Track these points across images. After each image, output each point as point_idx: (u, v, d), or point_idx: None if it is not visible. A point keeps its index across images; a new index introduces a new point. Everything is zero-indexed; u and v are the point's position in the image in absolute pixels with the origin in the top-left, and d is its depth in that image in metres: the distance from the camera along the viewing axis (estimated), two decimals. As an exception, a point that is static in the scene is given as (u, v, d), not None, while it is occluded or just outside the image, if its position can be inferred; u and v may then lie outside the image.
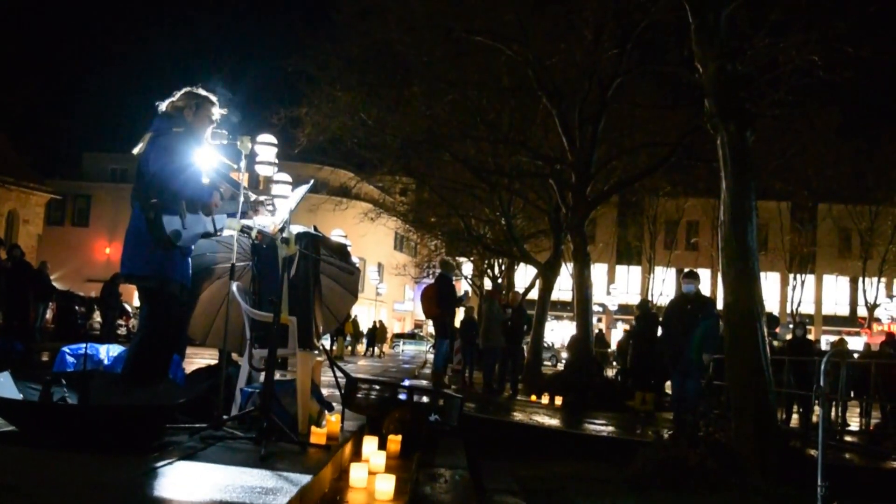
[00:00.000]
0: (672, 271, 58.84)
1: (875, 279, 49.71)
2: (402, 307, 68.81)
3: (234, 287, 5.94)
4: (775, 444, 9.37)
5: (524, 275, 40.64)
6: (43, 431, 4.73)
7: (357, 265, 7.27)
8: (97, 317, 24.86)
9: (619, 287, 55.04)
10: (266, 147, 22.38)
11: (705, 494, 7.63)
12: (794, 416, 16.47)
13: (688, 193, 40.05)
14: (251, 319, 6.23)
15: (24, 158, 44.98)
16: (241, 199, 5.73)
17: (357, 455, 6.23)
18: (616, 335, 51.24)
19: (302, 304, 6.10)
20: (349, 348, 38.16)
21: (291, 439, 5.38)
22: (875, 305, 49.73)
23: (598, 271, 49.07)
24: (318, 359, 6.58)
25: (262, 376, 6.44)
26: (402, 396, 7.74)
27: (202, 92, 5.79)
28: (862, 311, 54.08)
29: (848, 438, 14.29)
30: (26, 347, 14.64)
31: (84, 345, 6.16)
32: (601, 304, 47.14)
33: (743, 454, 8.99)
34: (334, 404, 7.26)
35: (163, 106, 5.72)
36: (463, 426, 8.20)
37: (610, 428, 11.80)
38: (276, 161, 22.85)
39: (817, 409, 16.01)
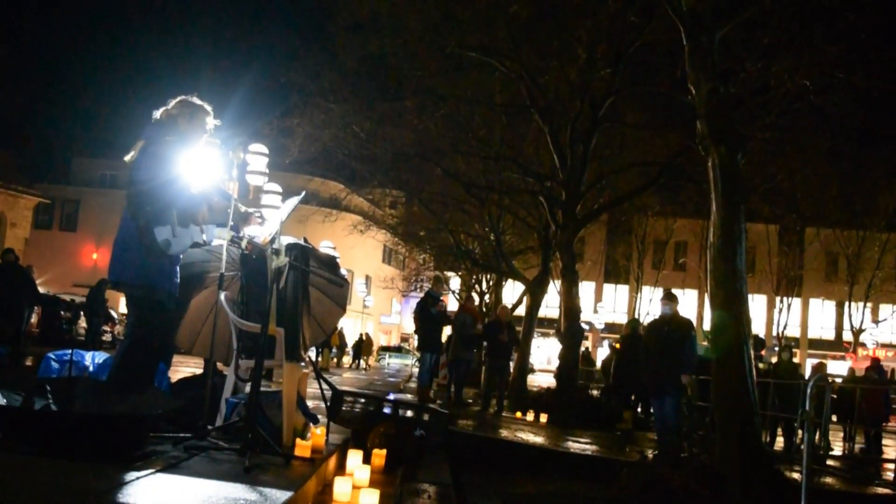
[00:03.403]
0: (659, 291, 58.88)
1: (861, 304, 49.86)
2: (389, 320, 68.75)
3: (222, 297, 5.92)
4: (760, 467, 9.36)
5: (512, 291, 40.61)
6: (24, 438, 4.69)
7: (346, 277, 7.25)
8: (83, 322, 24.72)
9: (606, 306, 55.16)
10: (257, 157, 22.40)
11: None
12: (780, 439, 16.51)
13: (677, 214, 40.26)
14: (238, 329, 6.21)
15: (13, 162, 44.89)
16: (231, 210, 5.71)
17: (341, 468, 6.20)
18: (602, 353, 51.28)
19: (290, 315, 6.08)
20: (335, 360, 38.07)
21: (276, 451, 5.35)
22: (861, 330, 49.88)
23: (585, 289, 49.05)
24: (305, 371, 6.56)
25: (247, 387, 6.42)
26: (388, 410, 7.73)
27: (197, 101, 5.79)
28: (847, 336, 54.22)
29: (831, 463, 14.30)
30: (13, 352, 14.51)
31: (69, 351, 6.12)
32: (588, 323, 47.08)
33: (727, 477, 8.98)
34: (320, 417, 7.24)
35: (157, 114, 5.72)
36: (448, 442, 8.19)
37: (594, 447, 11.78)
38: (267, 171, 22.87)
39: (801, 432, 16.07)
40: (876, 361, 20.17)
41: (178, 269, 5.69)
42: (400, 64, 18.66)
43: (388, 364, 53.47)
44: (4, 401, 5.05)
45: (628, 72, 16.84)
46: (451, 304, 47.28)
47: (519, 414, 15.71)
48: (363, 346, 41.21)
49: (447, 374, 18.94)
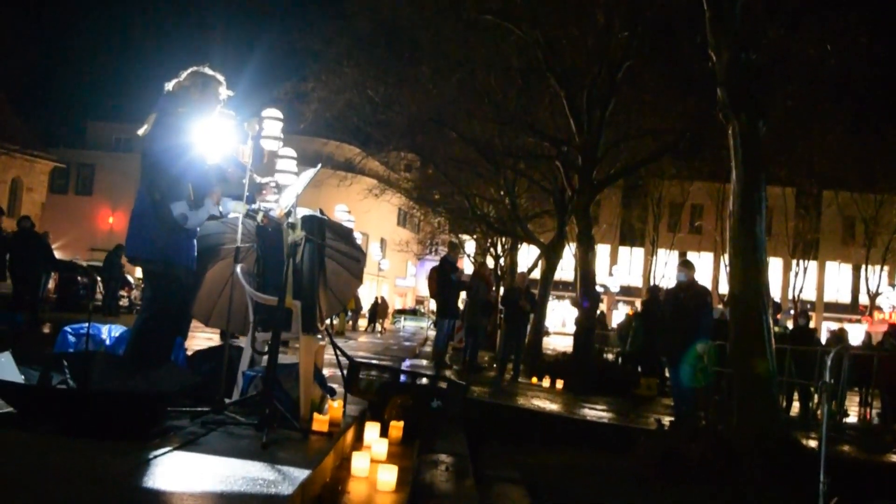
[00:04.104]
0: (675, 254, 58.72)
1: (878, 267, 49.58)
2: (404, 283, 68.87)
3: (238, 270, 5.89)
4: (777, 436, 9.33)
5: (527, 254, 40.52)
6: (42, 415, 4.69)
7: (361, 244, 7.20)
8: (100, 287, 24.83)
9: (621, 268, 55.09)
10: (271, 122, 22.30)
11: (705, 489, 7.59)
12: (795, 404, 16.47)
13: (693, 177, 39.90)
14: (255, 302, 6.18)
15: (29, 126, 44.94)
16: (246, 181, 5.66)
17: (359, 440, 6.20)
18: (617, 316, 51.28)
19: (306, 288, 6.04)
20: (350, 324, 38.17)
21: (293, 426, 5.34)
22: (877, 294, 49.65)
23: (600, 252, 48.90)
24: (321, 343, 6.53)
25: (264, 359, 6.40)
26: (404, 380, 7.72)
27: (209, 71, 5.71)
28: (864, 299, 54.05)
29: (847, 430, 14.27)
30: (30, 319, 14.57)
31: (86, 324, 6.10)
32: (603, 286, 46.98)
33: (744, 447, 8.95)
34: (337, 388, 7.23)
35: (169, 85, 5.64)
36: (465, 412, 8.19)
37: (611, 414, 11.78)
38: (282, 136, 22.76)
39: (817, 398, 16.03)
40: (893, 328, 20.00)
41: (194, 242, 5.65)
42: (415, 28, 18.49)
43: (404, 327, 53.62)
44: (22, 377, 5.05)
45: (647, 36, 16.60)
46: (466, 268, 47.40)
47: (535, 380, 15.71)
48: (379, 310, 41.30)
49: (463, 339, 18.98)
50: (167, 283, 5.48)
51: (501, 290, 32.56)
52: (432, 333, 30.33)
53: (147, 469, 3.95)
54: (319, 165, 6.04)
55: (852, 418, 16.39)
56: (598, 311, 26.65)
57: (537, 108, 20.52)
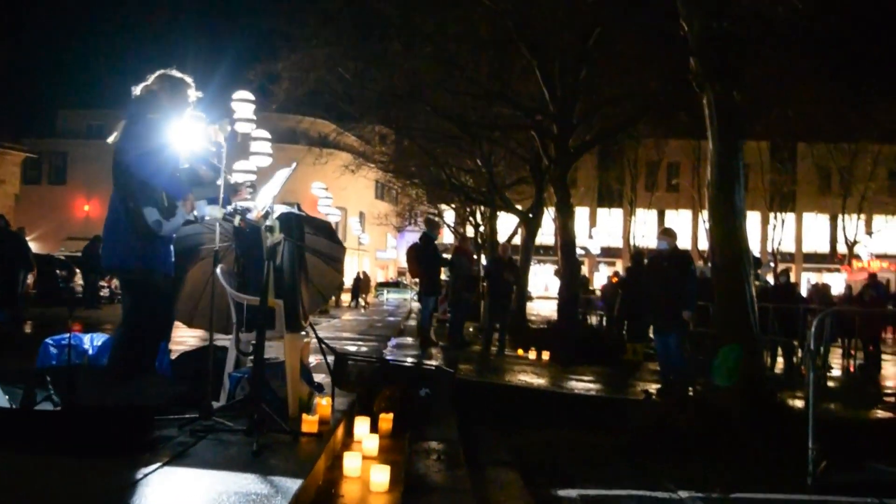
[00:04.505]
0: (654, 213, 58.97)
1: (854, 216, 49.93)
2: (385, 255, 68.80)
3: (217, 271, 5.83)
4: (763, 399, 9.42)
5: (507, 222, 40.51)
6: (26, 435, 4.64)
7: (339, 219, 7.17)
8: (79, 279, 24.65)
9: (601, 230, 55.19)
10: (243, 104, 22.15)
11: (696, 460, 7.64)
12: (780, 360, 16.63)
13: (668, 135, 39.95)
14: (236, 302, 6.15)
15: (-3, 118, 44.39)
16: (221, 184, 5.58)
17: (349, 435, 6.19)
18: (599, 278, 51.52)
19: (288, 286, 6.00)
20: (333, 300, 38.11)
21: (283, 429, 5.31)
22: (855, 242, 50.03)
23: (579, 214, 48.98)
24: (306, 339, 6.51)
25: (249, 360, 6.37)
26: (392, 368, 7.72)
27: (177, 74, 5.62)
28: (842, 248, 54.42)
29: (831, 384, 14.41)
30: (12, 316, 14.42)
31: (67, 335, 6.04)
32: (583, 248, 47.17)
33: (731, 412, 9.03)
34: (323, 380, 7.22)
35: (137, 90, 5.55)
36: (455, 396, 8.19)
37: (599, 385, 11.82)
38: (255, 118, 22.62)
39: (801, 355, 16.17)
40: (873, 278, 20.17)
41: (171, 248, 5.59)
42: (382, 2, 18.30)
43: (387, 300, 53.60)
44: (6, 396, 4.99)
45: (618, 2, 16.46)
46: (447, 238, 47.36)
47: (521, 351, 15.73)
48: (361, 285, 41.22)
49: (447, 310, 19.00)
50: (146, 292, 5.42)
51: (483, 259, 32.62)
52: (416, 305, 30.35)
53: (136, 490, 3.91)
54: (294, 165, 5.98)
55: (836, 371, 16.56)
56: (581, 275, 26.73)
57: (510, 78, 20.41)
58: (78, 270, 24.71)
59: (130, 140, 5.22)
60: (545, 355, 14.79)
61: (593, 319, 28.14)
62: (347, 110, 24.97)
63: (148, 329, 5.49)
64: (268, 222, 5.44)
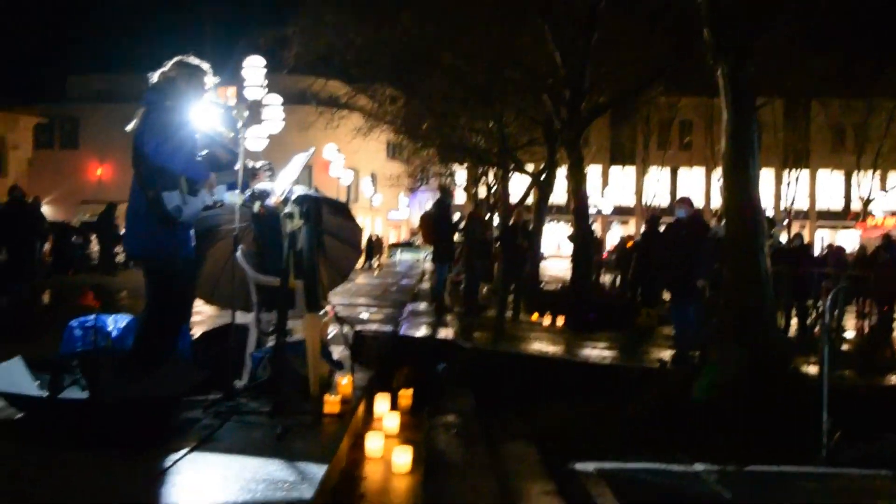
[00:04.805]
0: (667, 171, 58.76)
1: (869, 173, 49.68)
2: (397, 215, 68.73)
3: (238, 254, 5.91)
4: (777, 368, 9.47)
5: (520, 182, 40.43)
6: (54, 423, 4.76)
7: (351, 181, 7.22)
8: (94, 245, 24.82)
9: (613, 189, 55.03)
10: (254, 70, 22.14)
11: (711, 431, 7.72)
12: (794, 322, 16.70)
13: (681, 93, 39.66)
14: (257, 284, 6.24)
15: (8, 84, 44.46)
16: (240, 169, 5.63)
17: (369, 413, 6.29)
18: (611, 238, 51.45)
19: (307, 267, 6.07)
20: (347, 263, 38.22)
21: (305, 410, 5.42)
22: (869, 200, 49.84)
23: (592, 173, 48.81)
24: (325, 319, 6.60)
25: (270, 340, 6.48)
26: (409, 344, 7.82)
27: (194, 61, 5.65)
28: (856, 206, 54.16)
29: (845, 347, 14.45)
30: (27, 287, 14.57)
31: (92, 317, 6.14)
32: (596, 206, 47.08)
33: (745, 382, 9.09)
34: (342, 353, 7.34)
35: (154, 77, 5.58)
36: (471, 368, 8.31)
37: (613, 353, 11.90)
38: (266, 83, 22.60)
39: (814, 316, 16.24)
40: (887, 239, 20.11)
41: (192, 233, 5.66)
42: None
43: (400, 260, 53.67)
44: (36, 382, 5.10)
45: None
46: (459, 197, 47.31)
47: (535, 316, 15.77)
48: (374, 247, 41.36)
49: (460, 271, 19.11)
50: (168, 278, 5.49)
51: (496, 219, 32.67)
52: (429, 266, 30.45)
53: (166, 479, 4.02)
54: (312, 150, 6.04)
55: (849, 333, 16.58)
56: (594, 237, 26.68)
57: (522, 42, 20.29)
58: (93, 237, 24.87)
59: (149, 129, 5.27)
60: (559, 321, 14.85)
61: (606, 279, 28.22)
62: (358, 74, 24.95)
63: (171, 314, 5.57)
64: (287, 209, 5.50)
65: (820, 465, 7.03)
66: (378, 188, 58.17)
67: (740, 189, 8.84)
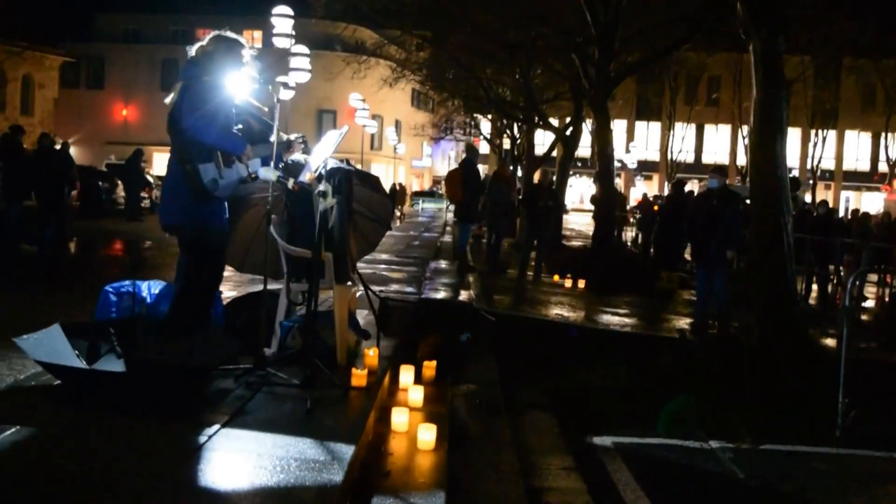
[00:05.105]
0: (692, 127, 58.30)
1: (898, 135, 49.19)
2: (420, 164, 68.70)
3: (272, 230, 6.03)
4: (797, 341, 9.57)
5: (544, 136, 40.29)
6: (90, 391, 4.94)
7: (375, 129, 7.26)
8: (121, 191, 25.05)
9: (638, 144, 54.70)
10: (282, 19, 22.07)
11: (728, 404, 7.82)
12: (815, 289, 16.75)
13: (710, 49, 39.20)
14: (287, 254, 6.37)
15: (35, 22, 44.46)
16: (274, 143, 5.71)
17: (395, 382, 6.44)
18: (635, 193, 51.31)
19: (337, 239, 6.18)
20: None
21: (334, 384, 5.57)
22: (896, 162, 49.38)
23: (617, 128, 48.34)
24: (354, 288, 6.73)
25: (299, 309, 6.63)
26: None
27: (231, 35, 5.72)
28: (883, 168, 53.68)
29: (864, 317, 14.47)
30: (58, 233, 14.68)
31: (127, 282, 6.29)
32: (620, 161, 46.87)
33: (765, 354, 9.20)
34: (366, 318, 7.49)
35: (192, 51, 5.66)
36: (495, 339, 8.44)
37: (633, 319, 12.02)
38: (293, 33, 22.55)
39: (835, 283, 16.26)
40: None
41: (225, 205, 5.77)
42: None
43: (423, 209, 53.82)
44: (72, 348, 5.26)
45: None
46: (483, 147, 47.19)
47: (556, 277, 15.87)
48: (397, 196, 41.43)
49: (482, 224, 19.26)
50: (203, 249, 5.62)
51: (520, 170, 32.66)
52: (451, 217, 30.52)
53: (201, 455, 4.18)
54: (346, 128, 6.09)
55: (869, 302, 16.61)
56: (617, 193, 26.64)
57: (553, 0, 20.13)
58: (119, 182, 25.08)
59: (188, 103, 5.35)
60: (580, 283, 14.95)
61: (628, 235, 28.27)
62: (386, 23, 24.89)
63: (205, 284, 5.72)
64: (321, 187, 5.59)
65: (834, 444, 7.13)
66: (402, 136, 58.05)
67: (768, 165, 8.86)
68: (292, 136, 6.18)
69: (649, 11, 19.36)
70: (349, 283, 6.54)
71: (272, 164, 5.65)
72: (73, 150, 20.64)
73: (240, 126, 5.76)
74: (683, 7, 18.12)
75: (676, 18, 17.92)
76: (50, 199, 14.53)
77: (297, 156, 6.16)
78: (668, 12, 18.80)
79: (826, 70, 48.52)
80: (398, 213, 41.53)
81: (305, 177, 5.63)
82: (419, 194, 60.66)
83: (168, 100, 5.55)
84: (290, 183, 5.66)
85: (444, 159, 68.99)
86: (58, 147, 16.09)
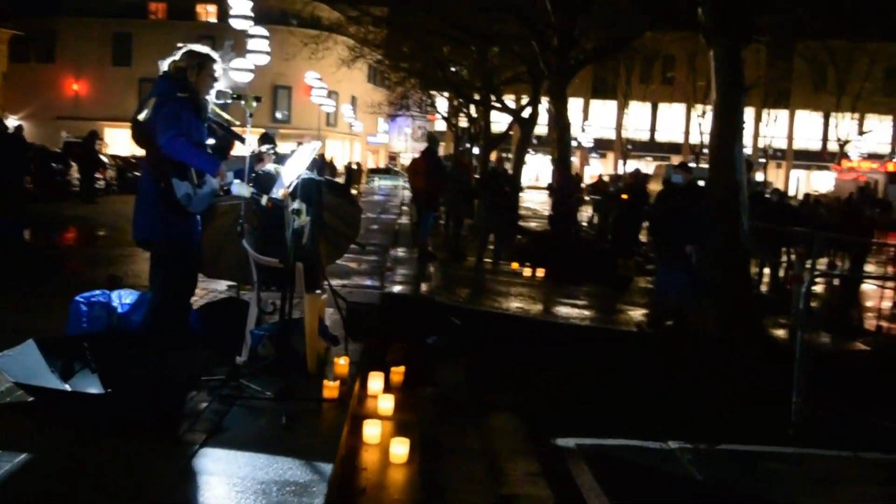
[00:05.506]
0: (647, 106, 58.84)
1: (848, 115, 50.02)
2: (376, 140, 68.55)
3: (244, 243, 6.11)
4: (753, 335, 9.83)
5: (501, 114, 40.34)
6: (68, 411, 4.99)
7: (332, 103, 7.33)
8: (75, 172, 24.73)
9: (593, 123, 55.12)
10: (240, 1, 21.94)
11: (687, 399, 8.05)
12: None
13: (665, 29, 39.46)
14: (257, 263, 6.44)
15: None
16: (246, 154, 5.76)
17: (364, 387, 6.57)
18: (589, 171, 51.71)
19: (308, 249, 6.27)
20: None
21: (308, 395, 5.68)
22: (846, 142, 50.27)
23: (573, 106, 48.52)
24: (323, 297, 6.82)
25: (270, 318, 6.71)
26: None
27: (203, 49, 5.75)
28: (832, 147, 54.64)
29: (814, 304, 14.77)
30: (15, 222, 14.38)
31: (96, 292, 6.33)
32: (576, 140, 47.14)
33: (721, 345, 9.45)
34: (331, 316, 7.59)
35: (164, 66, 5.69)
36: (461, 339, 8.60)
37: (592, 312, 12.26)
38: (252, 15, 22.41)
39: (785, 271, 16.62)
40: (865, 188, 20.52)
41: (198, 219, 5.82)
42: None
43: (379, 187, 53.80)
44: (49, 368, 5.28)
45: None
46: (440, 125, 47.16)
47: (515, 265, 16.01)
48: (354, 175, 41.42)
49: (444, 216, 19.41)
50: (177, 262, 5.67)
51: (476, 150, 32.74)
52: (407, 193, 30.55)
53: (183, 481, 4.28)
54: (319, 143, 6.17)
55: (819, 287, 16.95)
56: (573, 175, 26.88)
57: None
58: (73, 164, 24.76)
59: (162, 120, 5.38)
60: (539, 272, 15.12)
61: (583, 215, 28.51)
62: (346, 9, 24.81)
63: (180, 297, 5.78)
64: (295, 205, 5.67)
65: (788, 445, 7.36)
66: (358, 113, 57.86)
67: (727, 168, 9.06)
68: (263, 148, 6.23)
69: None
70: (318, 291, 6.64)
71: (246, 179, 5.70)
72: (25, 128, 20.30)
73: (212, 141, 5.81)
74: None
75: (640, 8, 18.03)
76: (8, 185, 14.27)
77: (268, 166, 6.22)
78: (628, 1, 18.94)
79: (778, 50, 49.06)
80: (355, 192, 41.55)
81: (279, 193, 5.70)
82: (375, 171, 60.60)
83: (142, 116, 5.57)
84: (265, 199, 5.72)
85: (401, 136, 68.89)
86: (10, 131, 15.82)
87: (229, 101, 5.81)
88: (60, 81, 55.16)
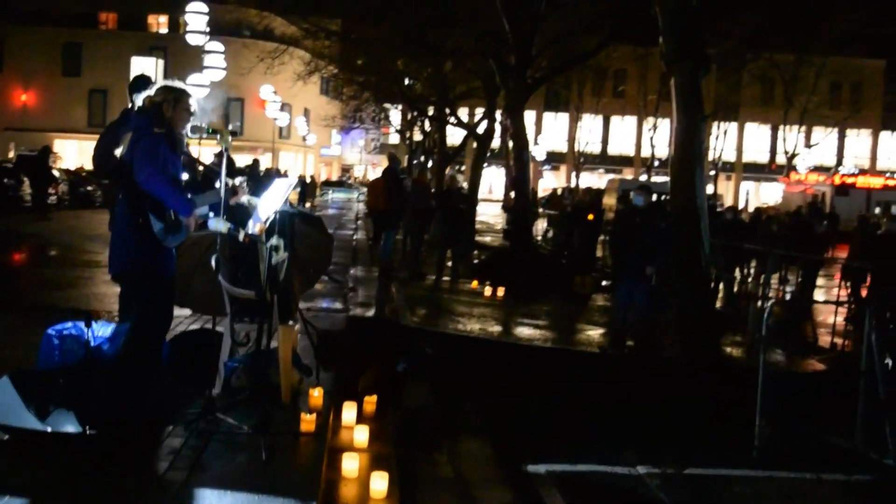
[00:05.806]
0: (599, 119, 59.46)
1: (795, 128, 51.00)
2: (329, 152, 68.36)
3: (213, 263, 6.12)
4: (713, 358, 9.99)
5: (456, 129, 40.48)
6: (47, 449, 4.97)
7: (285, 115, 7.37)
8: (27, 187, 24.39)
9: (546, 136, 55.60)
10: (196, 16, 21.88)
11: (653, 421, 8.19)
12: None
13: (617, 42, 39.91)
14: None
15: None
16: (221, 188, 5.78)
17: (338, 418, 6.60)
18: (543, 184, 52.13)
19: (283, 283, 6.30)
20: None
21: (284, 428, 5.70)
22: (794, 154, 51.26)
23: (526, 119, 49.06)
24: (296, 328, 6.85)
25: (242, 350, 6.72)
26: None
27: (179, 84, 5.77)
28: (781, 159, 55.68)
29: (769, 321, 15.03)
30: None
31: (69, 324, 6.29)
32: (530, 153, 47.43)
33: (684, 368, 9.59)
34: (304, 349, 7.61)
35: (139, 100, 5.70)
36: (430, 364, 8.67)
37: (554, 332, 12.40)
38: (208, 29, 22.34)
39: (739, 285, 16.92)
40: (814, 203, 20.93)
41: (173, 252, 5.83)
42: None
43: (332, 200, 53.66)
44: (22, 402, 5.25)
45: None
46: (393, 138, 47.18)
47: (475, 283, 16.11)
48: (308, 189, 41.30)
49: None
50: (153, 294, 5.67)
51: (430, 163, 32.79)
52: (361, 206, 30.47)
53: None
54: (297, 179, 6.20)
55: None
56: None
57: (472, 7, 20.30)
58: (25, 179, 24.44)
59: (139, 157, 5.38)
60: (500, 291, 15.21)
61: (538, 227, 28.68)
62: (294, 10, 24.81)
63: (154, 332, 5.77)
64: (273, 241, 5.70)
65: (752, 467, 7.53)
66: (311, 125, 57.69)
67: (687, 192, 9.20)
68: (237, 181, 6.25)
69: (567, 17, 19.70)
70: (291, 322, 6.67)
71: (222, 213, 5.72)
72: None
73: (186, 176, 5.84)
74: (601, 10, 18.46)
75: (598, 24, 18.21)
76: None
77: (242, 198, 6.22)
78: (585, 19, 19.15)
79: (728, 63, 49.83)
80: (309, 206, 41.41)
81: (255, 228, 5.73)
82: (328, 184, 60.42)
83: (118, 151, 5.58)
84: (241, 236, 5.73)
85: (354, 148, 68.82)
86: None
87: (205, 136, 5.83)
88: (8, 92, 54.23)
